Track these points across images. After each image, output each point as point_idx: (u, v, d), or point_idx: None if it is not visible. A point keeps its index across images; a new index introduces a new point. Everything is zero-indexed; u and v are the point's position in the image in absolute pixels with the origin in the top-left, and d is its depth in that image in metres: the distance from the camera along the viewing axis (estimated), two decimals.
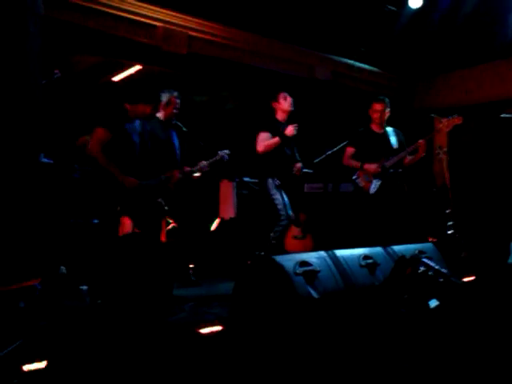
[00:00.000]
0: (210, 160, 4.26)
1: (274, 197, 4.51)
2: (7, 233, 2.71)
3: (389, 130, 4.79)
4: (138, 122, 3.62)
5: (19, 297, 2.77)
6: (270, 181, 4.54)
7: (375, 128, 4.77)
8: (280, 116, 4.67)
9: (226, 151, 4.32)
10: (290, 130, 4.52)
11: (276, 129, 4.59)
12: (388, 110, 4.73)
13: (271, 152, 4.54)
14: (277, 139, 4.51)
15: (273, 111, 4.72)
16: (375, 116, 4.71)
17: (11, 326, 2.61)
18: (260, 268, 3.21)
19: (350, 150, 4.78)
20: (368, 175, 4.65)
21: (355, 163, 4.71)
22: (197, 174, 4.33)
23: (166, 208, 3.80)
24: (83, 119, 3.66)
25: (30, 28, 3.07)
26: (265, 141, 4.54)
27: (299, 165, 4.69)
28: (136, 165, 3.50)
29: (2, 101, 2.77)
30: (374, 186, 4.62)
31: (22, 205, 2.82)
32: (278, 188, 4.53)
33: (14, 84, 2.93)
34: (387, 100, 4.76)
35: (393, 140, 4.73)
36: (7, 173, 2.76)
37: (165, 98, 4.17)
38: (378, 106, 4.70)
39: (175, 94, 4.22)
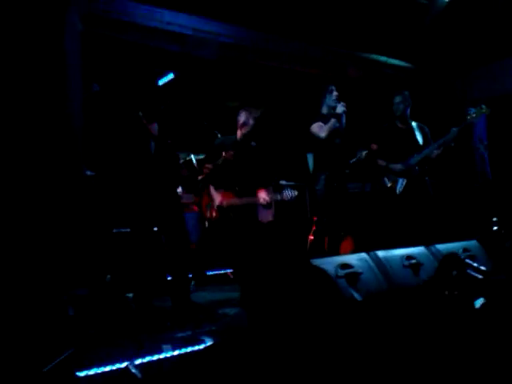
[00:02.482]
0: (273, 195, 4.16)
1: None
2: (56, 243, 2.80)
3: (413, 124, 4.72)
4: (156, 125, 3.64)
5: (68, 305, 2.87)
6: (322, 178, 4.42)
7: (399, 123, 4.72)
8: (325, 110, 4.52)
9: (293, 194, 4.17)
10: (340, 106, 4.36)
11: (326, 119, 4.44)
12: (408, 102, 4.67)
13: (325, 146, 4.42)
14: (333, 120, 4.33)
15: (319, 105, 4.60)
16: (396, 109, 4.67)
17: (62, 334, 2.69)
18: (299, 273, 3.21)
19: (374, 147, 4.73)
20: (393, 175, 4.59)
21: (380, 162, 4.67)
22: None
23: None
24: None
25: (69, 45, 3.17)
26: (323, 126, 4.37)
27: None
28: (152, 167, 3.48)
29: (46, 117, 2.87)
30: (400, 185, 4.55)
31: (69, 217, 2.91)
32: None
33: (56, 100, 3.03)
34: (407, 93, 4.70)
35: (418, 136, 4.65)
36: (55, 188, 2.86)
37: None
38: (397, 99, 4.68)
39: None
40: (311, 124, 4.46)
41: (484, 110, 4.36)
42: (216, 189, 4.22)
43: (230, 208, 4.14)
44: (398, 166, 4.55)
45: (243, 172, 4.18)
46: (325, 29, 5.84)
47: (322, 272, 3.00)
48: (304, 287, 3.08)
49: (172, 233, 3.53)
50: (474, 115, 4.39)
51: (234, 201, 4.14)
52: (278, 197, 4.15)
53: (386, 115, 5.09)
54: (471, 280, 2.95)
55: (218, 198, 4.17)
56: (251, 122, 4.15)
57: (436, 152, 4.52)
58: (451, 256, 3.17)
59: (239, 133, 4.22)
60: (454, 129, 4.39)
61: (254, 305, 3.05)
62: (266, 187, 4.18)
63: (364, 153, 4.72)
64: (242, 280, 4.09)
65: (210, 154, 4.24)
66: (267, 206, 4.17)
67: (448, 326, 2.66)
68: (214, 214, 4.19)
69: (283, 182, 5.23)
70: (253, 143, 4.32)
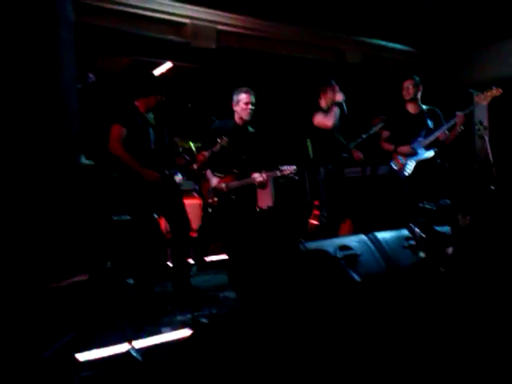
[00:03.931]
0: (270, 173, 4.24)
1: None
2: (56, 232, 2.83)
3: (425, 108, 4.67)
4: (152, 116, 3.66)
5: (69, 292, 2.89)
6: (322, 170, 4.48)
7: (410, 108, 4.67)
8: (324, 104, 4.54)
9: (291, 168, 4.24)
10: (340, 95, 4.38)
11: (326, 111, 4.48)
12: (419, 87, 4.61)
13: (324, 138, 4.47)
14: (336, 108, 4.36)
15: (317, 98, 4.62)
16: (406, 94, 4.61)
17: (62, 320, 2.72)
18: (296, 255, 3.22)
19: (386, 134, 4.71)
20: (402, 157, 4.56)
21: (389, 146, 4.64)
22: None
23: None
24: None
25: (62, 35, 3.17)
26: (328, 116, 4.40)
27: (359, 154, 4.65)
28: (152, 156, 3.53)
29: (40, 108, 2.89)
30: (409, 167, 4.52)
31: (68, 205, 2.94)
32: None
33: (51, 91, 3.04)
34: (417, 78, 4.64)
35: (429, 120, 4.61)
36: (52, 176, 2.88)
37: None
38: (407, 83, 4.61)
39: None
40: (312, 116, 4.48)
41: (494, 91, 4.27)
42: (213, 172, 4.25)
43: (230, 191, 4.21)
44: (406, 148, 4.52)
45: (241, 155, 4.23)
46: (323, 14, 5.80)
47: (324, 254, 3.01)
48: (301, 269, 3.09)
49: (173, 218, 3.57)
50: (483, 97, 4.32)
51: (235, 183, 4.21)
52: (278, 173, 4.21)
53: (388, 100, 5.07)
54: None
55: (214, 181, 4.22)
56: (243, 95, 4.19)
57: (446, 134, 4.48)
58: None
59: (237, 113, 4.26)
60: (460, 112, 4.34)
61: (244, 286, 3.07)
62: (263, 169, 4.24)
63: (377, 127, 4.69)
64: (232, 261, 4.12)
65: (207, 140, 4.28)
66: (263, 185, 4.24)
67: (445, 303, 2.66)
68: (215, 199, 4.24)
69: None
70: (250, 128, 4.35)
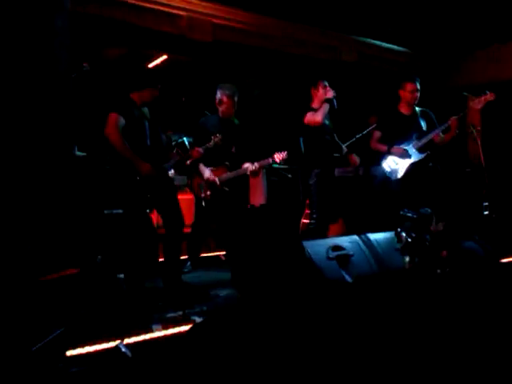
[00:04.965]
0: (262, 161, 4.31)
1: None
2: (46, 224, 2.79)
3: (418, 110, 4.62)
4: (147, 110, 3.63)
5: (59, 285, 2.86)
6: (313, 173, 4.46)
7: (403, 109, 4.59)
8: (316, 105, 4.51)
9: (283, 154, 4.29)
10: (330, 92, 4.37)
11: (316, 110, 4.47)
12: (419, 88, 4.57)
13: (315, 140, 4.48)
14: (326, 104, 4.34)
15: (309, 98, 4.60)
16: (407, 96, 4.51)
17: (52, 313, 2.69)
18: (290, 255, 3.22)
19: (377, 134, 4.64)
20: (395, 158, 4.54)
21: (382, 147, 4.57)
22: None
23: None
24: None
25: (58, 23, 3.12)
26: (317, 112, 4.38)
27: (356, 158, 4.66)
28: (147, 150, 3.50)
29: (33, 96, 2.84)
30: (402, 169, 4.50)
31: (60, 197, 2.90)
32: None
33: (45, 80, 2.99)
34: (419, 80, 4.56)
35: (422, 121, 4.59)
36: (44, 167, 2.84)
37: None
38: (410, 86, 4.48)
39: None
40: (303, 116, 4.47)
41: (488, 96, 4.27)
42: (206, 165, 4.29)
43: (223, 183, 4.26)
44: (400, 150, 4.51)
45: (230, 148, 4.31)
46: (321, 11, 5.78)
47: (307, 260, 3.02)
48: (294, 269, 3.09)
49: (167, 213, 3.55)
50: (478, 102, 4.30)
51: (227, 175, 4.28)
52: (270, 160, 4.29)
53: (382, 100, 5.07)
54: None
55: (206, 174, 4.25)
56: (225, 98, 4.23)
57: (440, 137, 4.47)
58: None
59: (219, 110, 4.32)
60: (454, 117, 4.33)
61: (244, 285, 3.07)
62: (253, 161, 4.31)
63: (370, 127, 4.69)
64: (234, 261, 4.12)
65: (197, 135, 4.31)
66: (255, 173, 4.34)
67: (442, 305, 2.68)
68: (208, 193, 4.23)
69: (276, 166, 5.22)
70: (236, 121, 4.41)
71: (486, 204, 4.96)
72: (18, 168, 2.81)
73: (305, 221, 4.72)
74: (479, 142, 5.25)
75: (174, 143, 4.92)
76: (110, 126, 3.30)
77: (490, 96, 4.27)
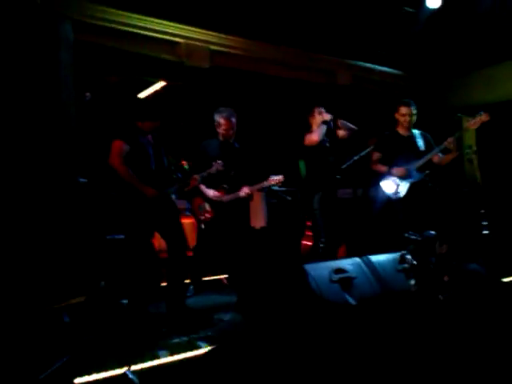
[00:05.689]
0: (256, 185, 4.34)
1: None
2: (53, 251, 2.80)
3: (415, 132, 4.70)
4: (150, 136, 3.70)
5: (64, 312, 2.86)
6: (316, 198, 4.57)
7: (401, 131, 4.68)
8: (315, 128, 4.66)
9: (279, 178, 4.32)
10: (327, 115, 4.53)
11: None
12: (415, 112, 4.66)
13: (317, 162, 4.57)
14: (323, 126, 4.54)
15: (309, 127, 4.75)
16: (402, 120, 4.62)
17: (58, 341, 2.69)
18: (292, 277, 3.24)
19: (377, 155, 4.72)
20: (396, 179, 4.59)
21: (382, 168, 4.64)
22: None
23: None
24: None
25: (63, 55, 3.19)
26: (314, 132, 4.55)
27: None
28: (152, 175, 3.56)
29: (41, 126, 2.89)
30: (403, 189, 4.54)
31: (67, 225, 2.92)
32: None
33: (51, 110, 3.05)
34: (413, 103, 4.66)
35: (420, 142, 4.65)
36: (49, 194, 2.87)
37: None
38: (404, 110, 4.60)
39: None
40: (303, 139, 4.59)
41: (483, 117, 4.34)
42: (207, 187, 4.33)
43: (225, 205, 4.29)
44: (400, 170, 4.56)
45: (229, 171, 4.33)
46: (315, 36, 5.91)
47: (310, 283, 3.04)
48: (297, 292, 3.10)
49: (171, 237, 3.57)
50: (473, 123, 4.35)
51: (225, 198, 4.31)
52: (265, 183, 4.30)
53: (379, 122, 5.14)
54: None
55: (210, 193, 4.30)
56: (222, 120, 4.30)
57: (439, 157, 4.54)
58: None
59: (219, 134, 4.37)
60: (450, 138, 4.40)
61: (250, 310, 3.07)
62: (252, 184, 4.34)
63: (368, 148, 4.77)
64: (238, 285, 4.12)
65: (197, 160, 4.37)
66: (250, 197, 4.36)
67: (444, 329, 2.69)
68: (207, 215, 4.25)
69: (275, 188, 5.26)
70: (236, 144, 4.46)
71: (486, 223, 4.99)
72: (24, 195, 2.84)
73: (306, 243, 4.74)
74: (475, 162, 5.32)
75: (173, 168, 4.96)
76: (113, 155, 3.37)
77: (484, 117, 4.34)
